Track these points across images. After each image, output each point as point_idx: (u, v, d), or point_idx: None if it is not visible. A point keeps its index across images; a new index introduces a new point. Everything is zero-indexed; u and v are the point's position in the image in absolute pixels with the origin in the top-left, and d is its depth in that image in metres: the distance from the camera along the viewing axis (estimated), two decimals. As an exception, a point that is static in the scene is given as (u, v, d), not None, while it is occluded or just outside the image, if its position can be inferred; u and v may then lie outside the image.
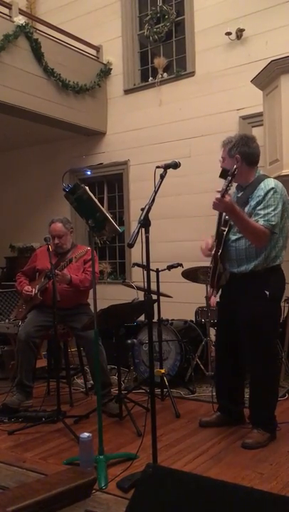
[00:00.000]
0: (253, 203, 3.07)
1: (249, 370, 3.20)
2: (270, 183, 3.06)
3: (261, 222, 2.97)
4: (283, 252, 3.13)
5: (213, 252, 3.26)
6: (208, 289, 4.57)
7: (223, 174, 2.93)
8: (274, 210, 2.98)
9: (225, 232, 3.16)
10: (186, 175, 5.24)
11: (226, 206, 2.91)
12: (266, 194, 3.01)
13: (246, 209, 3.10)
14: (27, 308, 4.13)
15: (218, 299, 3.64)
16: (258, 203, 3.03)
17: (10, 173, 7.88)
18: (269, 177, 3.19)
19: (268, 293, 3.05)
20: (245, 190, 3.19)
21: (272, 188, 3.02)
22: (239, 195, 3.26)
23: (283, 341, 4.60)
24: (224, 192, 2.87)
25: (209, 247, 3.31)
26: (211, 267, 3.30)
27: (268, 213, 2.97)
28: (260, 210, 3.01)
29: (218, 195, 2.89)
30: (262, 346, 3.11)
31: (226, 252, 3.18)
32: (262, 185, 3.07)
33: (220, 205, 2.91)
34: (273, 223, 2.97)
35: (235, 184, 3.35)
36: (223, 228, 3.15)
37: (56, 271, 3.77)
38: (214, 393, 3.51)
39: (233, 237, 3.16)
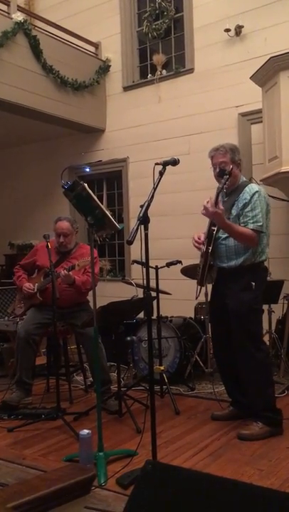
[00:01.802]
0: (240, 204, 3.24)
1: (238, 361, 3.23)
2: (255, 187, 3.28)
3: (251, 226, 3.16)
4: (267, 249, 3.32)
5: (203, 249, 3.34)
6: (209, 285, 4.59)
7: (221, 173, 3.13)
8: (260, 211, 3.18)
9: (214, 232, 3.29)
10: (185, 172, 5.23)
11: (221, 216, 3.09)
12: (252, 197, 3.20)
13: (234, 211, 3.27)
14: (26, 305, 4.12)
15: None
16: (245, 205, 3.21)
17: (9, 170, 7.87)
18: (251, 182, 3.40)
19: (253, 284, 3.20)
20: (230, 195, 3.34)
21: (257, 192, 3.22)
22: (225, 199, 3.38)
23: (282, 338, 4.61)
24: (220, 191, 3.09)
25: (201, 241, 3.42)
26: (200, 263, 3.42)
27: (256, 215, 3.17)
28: (249, 212, 3.19)
29: (208, 205, 3.08)
30: (248, 335, 3.20)
31: (216, 249, 3.33)
32: (247, 189, 3.26)
33: (214, 213, 3.08)
34: (260, 224, 3.17)
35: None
36: (213, 228, 3.30)
37: (64, 271, 3.78)
38: (214, 390, 3.52)
39: (223, 236, 3.32)
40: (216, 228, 3.29)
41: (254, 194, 3.20)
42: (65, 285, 3.92)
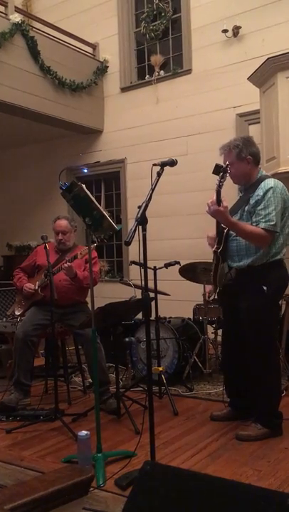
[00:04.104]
0: (252, 201, 3.10)
1: (250, 365, 3.21)
2: (270, 182, 3.07)
3: (262, 225, 2.99)
4: (284, 249, 3.16)
5: (213, 250, 3.28)
6: (207, 286, 4.59)
7: (216, 170, 2.94)
8: (274, 209, 3.00)
9: (226, 230, 3.18)
10: (183, 173, 5.24)
11: (223, 214, 2.97)
12: (265, 194, 3.03)
13: (246, 207, 3.14)
14: (26, 304, 4.14)
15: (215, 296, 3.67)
16: (258, 203, 3.05)
17: (6, 171, 7.87)
18: (270, 177, 3.20)
19: (265, 288, 3.06)
20: (247, 190, 3.22)
21: (271, 188, 3.03)
22: (242, 194, 3.29)
23: (281, 338, 4.60)
24: (219, 187, 2.91)
25: (211, 236, 3.33)
26: (213, 264, 3.32)
27: (269, 213, 2.99)
28: (261, 210, 3.03)
29: (213, 204, 2.95)
30: (262, 341, 3.13)
31: (227, 248, 3.21)
32: (262, 184, 3.08)
33: (215, 211, 2.97)
34: (273, 223, 2.99)
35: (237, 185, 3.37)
36: (223, 226, 3.16)
37: (67, 264, 3.82)
38: (212, 391, 3.50)
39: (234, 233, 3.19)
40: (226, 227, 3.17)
41: (268, 191, 3.01)
42: (66, 281, 3.93)
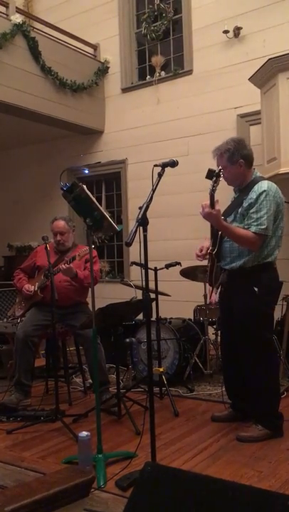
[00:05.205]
0: (245, 204, 3.12)
1: (245, 366, 3.21)
2: (263, 185, 3.08)
3: (253, 228, 3.02)
4: (276, 251, 3.17)
5: (208, 251, 3.29)
6: (208, 287, 4.59)
7: (209, 175, 2.93)
8: (266, 213, 3.02)
9: (220, 232, 3.19)
10: (184, 173, 5.24)
11: (215, 217, 2.98)
12: (258, 197, 3.05)
13: (240, 210, 3.17)
14: (26, 305, 4.14)
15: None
16: (250, 205, 3.08)
17: (7, 172, 7.87)
18: (265, 179, 3.22)
19: (256, 289, 3.08)
20: (241, 192, 3.24)
21: (265, 191, 3.04)
22: (236, 196, 3.30)
23: (281, 339, 4.60)
24: (213, 191, 2.93)
25: (204, 252, 3.32)
26: (208, 265, 3.34)
27: (260, 217, 3.02)
28: (253, 213, 3.05)
29: (206, 207, 2.97)
30: (254, 342, 3.14)
31: (221, 250, 3.24)
32: (255, 187, 3.10)
33: (208, 214, 2.99)
34: (264, 227, 3.01)
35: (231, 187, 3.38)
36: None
37: (64, 265, 3.82)
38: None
39: None
40: None
41: (261, 194, 3.03)
42: (66, 282, 3.93)
